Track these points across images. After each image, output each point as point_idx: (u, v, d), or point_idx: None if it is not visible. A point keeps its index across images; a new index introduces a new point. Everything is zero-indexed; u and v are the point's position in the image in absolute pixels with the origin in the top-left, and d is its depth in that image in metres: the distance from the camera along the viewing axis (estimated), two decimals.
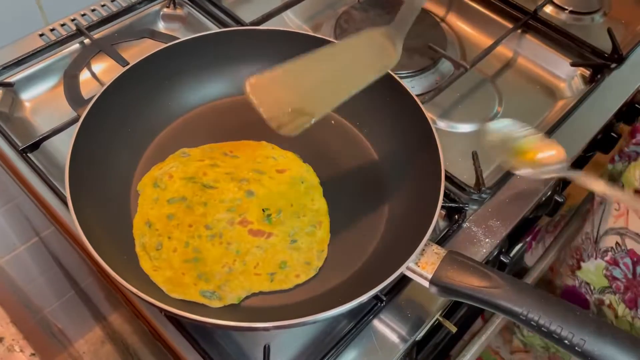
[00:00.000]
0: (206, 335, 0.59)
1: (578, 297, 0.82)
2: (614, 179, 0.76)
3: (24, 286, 1.14)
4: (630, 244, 0.70)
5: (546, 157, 0.59)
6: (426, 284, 0.53)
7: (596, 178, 0.54)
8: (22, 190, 0.70)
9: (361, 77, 0.58)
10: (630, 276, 0.71)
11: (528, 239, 0.96)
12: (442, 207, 0.58)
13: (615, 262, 0.73)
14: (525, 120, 0.82)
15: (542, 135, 0.62)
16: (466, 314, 0.83)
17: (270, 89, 0.57)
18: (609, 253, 0.73)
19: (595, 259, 0.76)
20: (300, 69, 0.58)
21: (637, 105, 0.82)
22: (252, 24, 0.85)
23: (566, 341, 0.47)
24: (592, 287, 0.78)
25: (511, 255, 0.83)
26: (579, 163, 0.81)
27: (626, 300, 0.72)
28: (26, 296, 1.15)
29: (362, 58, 0.59)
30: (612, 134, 0.87)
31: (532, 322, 0.47)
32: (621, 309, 0.73)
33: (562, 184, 0.86)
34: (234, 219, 0.62)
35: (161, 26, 0.90)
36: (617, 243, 0.72)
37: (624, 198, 0.52)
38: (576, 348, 0.46)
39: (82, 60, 0.79)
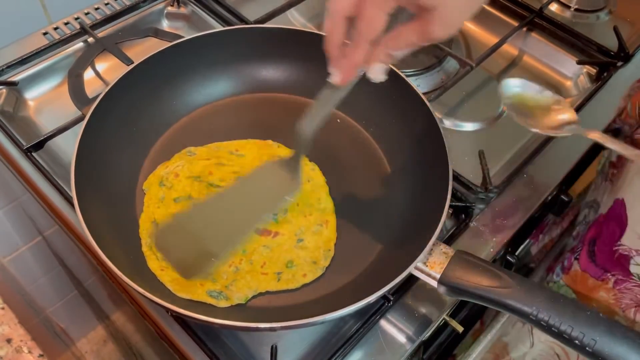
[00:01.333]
0: (213, 335, 0.58)
1: None
2: (607, 160, 0.76)
3: (27, 286, 1.13)
4: (591, 215, 0.69)
5: (560, 119, 0.61)
6: (434, 283, 0.53)
7: (604, 135, 0.56)
8: (27, 190, 0.70)
9: (262, 210, 0.59)
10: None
11: (535, 232, 0.95)
12: (450, 206, 0.58)
13: (575, 237, 0.73)
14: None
15: (554, 96, 0.64)
16: (470, 313, 0.83)
17: (175, 238, 0.57)
18: (577, 227, 0.73)
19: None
20: (202, 211, 0.58)
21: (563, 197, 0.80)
22: (257, 22, 0.85)
23: (577, 341, 0.46)
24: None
25: (517, 254, 0.83)
26: (585, 161, 0.81)
27: (547, 267, 0.72)
28: (29, 296, 1.15)
29: (263, 191, 0.59)
30: None
31: (542, 322, 0.47)
32: (540, 274, 0.73)
33: (568, 183, 0.86)
34: None
35: (165, 24, 0.89)
36: (584, 216, 0.72)
37: (627, 152, 0.54)
38: (587, 348, 0.46)
39: (86, 59, 0.79)
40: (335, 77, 0.49)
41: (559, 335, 0.47)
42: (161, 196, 0.63)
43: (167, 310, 0.51)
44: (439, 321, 0.62)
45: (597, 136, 0.57)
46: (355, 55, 0.46)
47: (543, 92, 0.64)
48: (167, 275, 0.57)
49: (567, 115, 0.61)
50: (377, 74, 0.49)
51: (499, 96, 0.65)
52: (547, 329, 0.47)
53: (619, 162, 0.67)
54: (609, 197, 0.65)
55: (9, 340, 0.48)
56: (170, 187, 0.64)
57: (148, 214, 0.62)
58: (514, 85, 0.65)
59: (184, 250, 0.57)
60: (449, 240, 0.66)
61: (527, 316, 0.48)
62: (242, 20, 0.86)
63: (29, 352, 0.48)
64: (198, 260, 0.56)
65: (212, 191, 0.63)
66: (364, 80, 0.70)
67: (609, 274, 0.62)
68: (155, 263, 0.58)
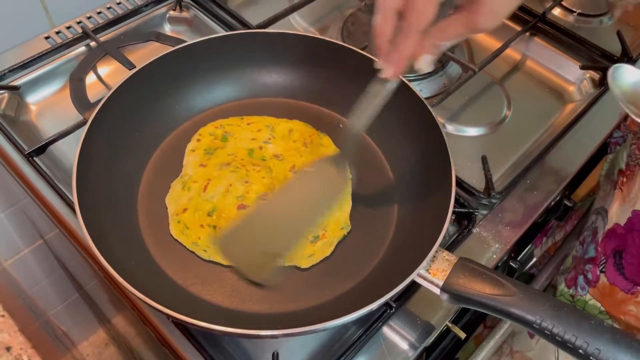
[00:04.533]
0: (213, 341, 0.58)
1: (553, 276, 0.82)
2: (612, 166, 0.76)
3: (28, 289, 1.13)
4: (598, 222, 0.69)
5: None
6: (437, 291, 0.53)
7: None
8: (28, 194, 0.69)
9: (318, 208, 0.61)
10: (581, 254, 0.70)
11: (538, 235, 0.95)
12: (452, 212, 0.57)
13: (582, 242, 0.72)
14: (533, 124, 0.82)
15: None
16: (472, 318, 0.83)
17: (239, 243, 0.60)
18: (584, 233, 0.73)
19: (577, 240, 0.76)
20: (260, 216, 0.61)
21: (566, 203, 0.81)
22: (259, 26, 0.84)
23: (580, 350, 0.46)
24: (563, 267, 0.77)
25: (519, 259, 0.83)
26: (588, 166, 0.80)
27: (567, 279, 0.71)
28: (30, 299, 1.15)
29: (316, 190, 0.62)
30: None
31: (546, 331, 0.47)
32: (561, 287, 0.72)
33: (571, 188, 0.85)
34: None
35: (167, 29, 0.89)
36: (591, 222, 0.71)
37: None
38: (591, 358, 0.45)
39: (88, 63, 0.78)
40: (387, 71, 0.51)
41: (563, 344, 0.46)
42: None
43: (168, 316, 0.50)
44: (441, 328, 0.62)
45: None
46: (405, 46, 0.48)
47: None
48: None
49: None
50: (425, 64, 0.50)
51: (610, 86, 0.62)
52: (551, 337, 0.47)
53: (629, 170, 0.67)
54: (622, 207, 0.64)
55: (8, 349, 0.48)
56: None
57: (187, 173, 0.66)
58: (631, 77, 0.62)
59: (250, 255, 0.59)
60: (451, 246, 0.66)
61: (530, 325, 0.48)
62: (245, 24, 0.86)
63: None
64: (264, 262, 0.59)
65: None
66: (366, 86, 0.70)
67: (639, 287, 0.61)
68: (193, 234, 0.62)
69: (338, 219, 0.64)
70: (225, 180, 0.65)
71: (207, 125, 0.71)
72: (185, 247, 0.61)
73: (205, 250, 0.61)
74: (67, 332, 1.33)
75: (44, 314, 1.21)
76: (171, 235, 0.62)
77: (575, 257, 0.73)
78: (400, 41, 0.48)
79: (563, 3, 0.97)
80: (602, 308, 0.65)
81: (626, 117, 0.78)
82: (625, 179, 0.67)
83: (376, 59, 0.51)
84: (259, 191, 0.64)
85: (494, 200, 0.70)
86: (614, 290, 0.63)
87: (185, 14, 0.89)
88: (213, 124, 0.71)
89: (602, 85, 0.85)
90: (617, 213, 0.65)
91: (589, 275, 0.66)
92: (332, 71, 0.73)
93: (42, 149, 0.70)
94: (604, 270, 0.65)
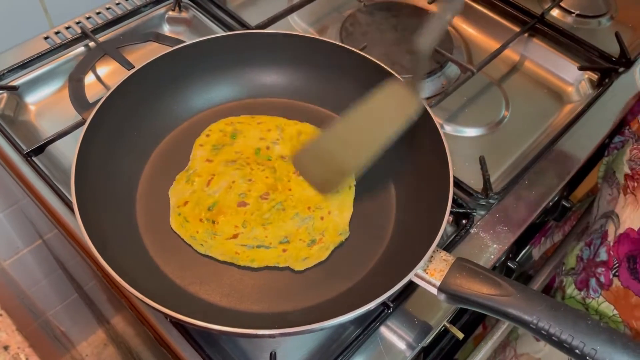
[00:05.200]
0: (211, 341, 0.58)
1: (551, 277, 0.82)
2: (610, 169, 0.76)
3: (27, 289, 1.13)
4: (608, 225, 0.69)
5: None
6: (434, 291, 0.53)
7: None
8: (27, 194, 0.70)
9: (388, 130, 0.62)
10: (591, 257, 0.70)
11: (536, 235, 0.95)
12: (450, 212, 0.57)
13: (589, 244, 0.72)
14: (532, 125, 0.82)
15: None
16: (471, 319, 0.83)
17: (312, 159, 0.64)
18: (592, 235, 0.73)
19: (579, 241, 0.76)
20: (334, 135, 0.64)
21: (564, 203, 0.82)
22: (258, 27, 0.85)
23: (577, 350, 0.46)
24: (563, 268, 0.77)
25: (518, 260, 0.83)
26: (586, 168, 0.80)
27: (577, 281, 0.71)
28: (29, 299, 1.15)
29: (387, 113, 0.63)
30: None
31: (543, 331, 0.47)
32: (570, 289, 0.72)
33: (569, 189, 0.85)
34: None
35: (166, 29, 0.89)
36: (601, 225, 0.71)
37: None
38: (587, 358, 0.45)
39: (87, 63, 0.79)
40: None
41: (559, 344, 0.46)
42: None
43: (166, 316, 0.50)
44: (439, 328, 0.62)
45: None
46: None
47: None
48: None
49: None
50: None
51: (637, 81, 0.63)
52: (548, 337, 0.47)
53: (636, 174, 0.67)
54: (636, 212, 0.65)
55: (6, 348, 0.48)
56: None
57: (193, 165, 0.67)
58: None
59: (323, 170, 0.63)
60: (449, 246, 0.66)
61: (527, 325, 0.48)
62: (244, 25, 0.86)
63: (26, 359, 0.48)
64: (336, 177, 0.63)
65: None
66: (365, 86, 0.70)
67: None
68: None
69: (337, 225, 0.64)
70: (228, 176, 0.65)
71: (218, 122, 0.71)
72: (183, 240, 0.62)
73: (201, 245, 0.61)
74: (66, 332, 1.33)
75: (43, 314, 1.21)
76: (170, 232, 0.62)
77: (580, 259, 0.73)
78: None
79: (562, 4, 0.98)
80: (615, 312, 0.65)
81: (629, 121, 0.78)
82: (635, 184, 0.67)
83: None
84: (260, 190, 0.64)
85: (491, 201, 0.70)
86: (628, 293, 0.63)
87: (184, 15, 0.90)
88: (224, 120, 0.72)
89: (600, 86, 0.86)
90: (630, 217, 0.65)
91: (602, 279, 0.66)
92: (330, 72, 0.73)
93: (40, 149, 0.70)
94: (617, 274, 0.65)
